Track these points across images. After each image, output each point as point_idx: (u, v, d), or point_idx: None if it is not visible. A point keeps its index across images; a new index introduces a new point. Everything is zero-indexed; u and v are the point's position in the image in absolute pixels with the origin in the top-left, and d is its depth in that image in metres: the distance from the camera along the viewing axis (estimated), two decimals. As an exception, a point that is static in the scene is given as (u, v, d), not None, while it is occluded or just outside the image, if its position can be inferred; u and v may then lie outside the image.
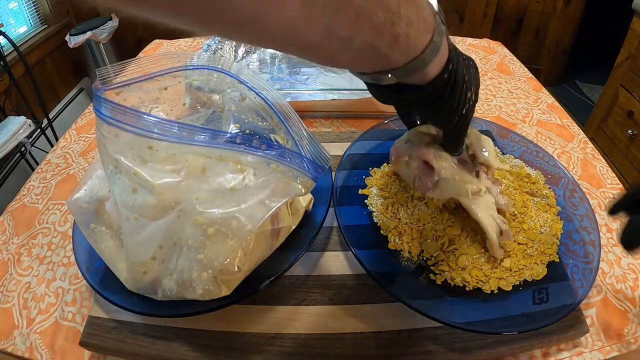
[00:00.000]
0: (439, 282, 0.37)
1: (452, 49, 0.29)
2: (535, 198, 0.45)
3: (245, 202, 0.30)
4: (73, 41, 1.52)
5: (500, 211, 0.40)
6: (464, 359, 0.35)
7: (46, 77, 1.69)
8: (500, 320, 0.34)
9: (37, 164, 0.77)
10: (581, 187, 0.46)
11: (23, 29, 1.68)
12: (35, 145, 1.37)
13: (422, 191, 0.40)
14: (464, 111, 0.31)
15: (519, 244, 0.40)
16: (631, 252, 0.33)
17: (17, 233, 0.48)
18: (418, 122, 0.40)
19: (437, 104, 0.30)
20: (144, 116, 0.27)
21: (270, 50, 0.81)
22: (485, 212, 0.38)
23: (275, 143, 0.31)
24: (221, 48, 0.73)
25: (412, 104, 0.33)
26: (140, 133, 0.27)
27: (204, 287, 0.31)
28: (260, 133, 0.34)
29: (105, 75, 0.31)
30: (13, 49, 1.35)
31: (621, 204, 0.34)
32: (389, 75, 0.26)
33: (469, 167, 0.41)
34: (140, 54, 0.87)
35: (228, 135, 0.30)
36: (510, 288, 0.37)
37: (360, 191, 0.45)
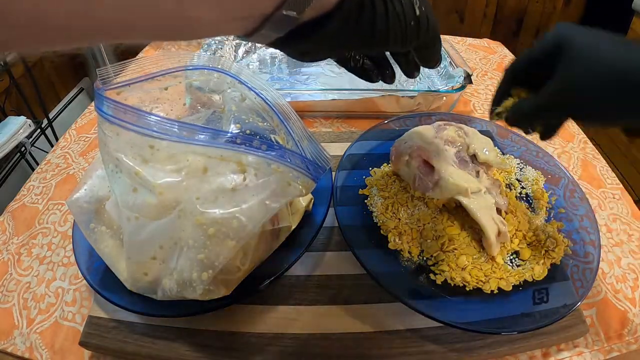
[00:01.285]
0: (439, 282, 0.37)
1: None
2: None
3: (245, 203, 0.30)
4: (73, 41, 1.52)
5: (499, 211, 0.40)
6: (464, 359, 0.35)
7: (46, 77, 1.69)
8: (500, 320, 0.34)
9: (37, 164, 0.76)
10: (581, 187, 0.46)
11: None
12: (35, 145, 1.37)
13: (422, 191, 0.40)
14: (416, 12, 0.24)
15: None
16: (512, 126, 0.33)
17: (17, 233, 0.48)
18: (366, 67, 0.30)
19: (372, 25, 0.23)
20: (146, 115, 0.27)
21: (270, 50, 0.81)
22: (484, 212, 0.38)
23: (276, 144, 0.31)
24: (221, 48, 0.73)
25: (345, 43, 0.24)
26: (141, 132, 0.27)
27: (204, 287, 0.31)
28: (261, 133, 0.34)
29: (105, 75, 0.31)
30: (13, 48, 1.35)
31: (503, 88, 0.33)
32: (284, 13, 0.20)
33: (469, 167, 0.41)
34: (141, 54, 0.87)
35: (229, 135, 0.30)
36: (510, 288, 0.37)
37: (360, 191, 0.45)
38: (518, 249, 0.40)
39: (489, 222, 0.37)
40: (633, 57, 0.25)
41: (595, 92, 0.27)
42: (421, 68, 0.30)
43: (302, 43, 0.24)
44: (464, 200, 0.38)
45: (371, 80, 0.31)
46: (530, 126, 0.34)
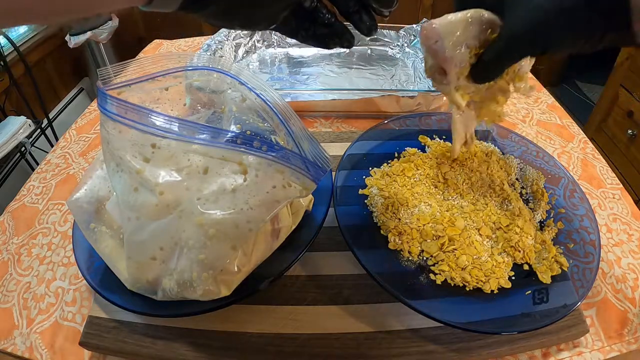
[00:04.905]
0: (439, 282, 0.37)
1: None
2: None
3: (246, 203, 0.30)
4: (73, 41, 1.52)
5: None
6: (464, 359, 0.35)
7: (46, 77, 1.69)
8: (500, 320, 0.34)
9: (37, 164, 0.77)
10: (581, 187, 0.46)
11: (23, 29, 1.68)
12: (35, 145, 1.37)
13: (430, 77, 0.38)
14: None
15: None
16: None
17: (17, 233, 0.48)
18: (319, 33, 0.29)
19: None
20: (148, 113, 0.27)
21: (270, 50, 0.81)
22: (462, 125, 0.42)
23: (276, 144, 0.31)
24: (221, 48, 0.73)
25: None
26: (144, 130, 0.27)
27: (204, 288, 0.31)
28: (262, 134, 0.34)
29: (106, 75, 0.31)
30: (13, 48, 1.35)
31: None
32: None
33: None
34: (141, 54, 0.87)
35: (230, 134, 0.30)
36: (510, 285, 0.37)
37: (360, 191, 0.45)
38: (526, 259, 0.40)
39: (461, 133, 0.42)
40: None
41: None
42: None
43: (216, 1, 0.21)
44: (454, 114, 0.41)
45: (327, 46, 0.29)
46: (501, 71, 0.32)
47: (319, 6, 0.28)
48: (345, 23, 0.30)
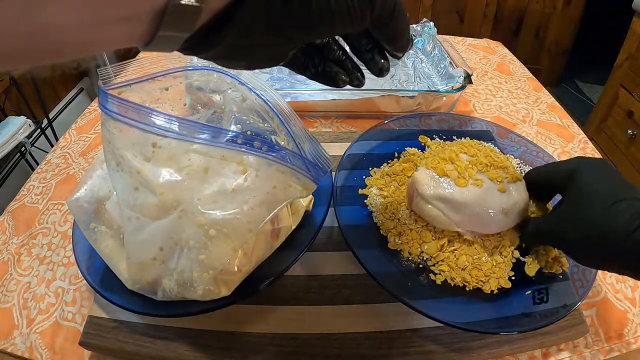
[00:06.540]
0: (439, 282, 0.37)
1: None
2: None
3: (246, 204, 0.30)
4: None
5: None
6: (464, 359, 0.35)
7: (46, 77, 1.69)
8: (500, 320, 0.34)
9: (37, 164, 0.77)
10: (581, 187, 0.46)
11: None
12: (35, 145, 1.37)
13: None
14: None
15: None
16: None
17: (17, 233, 0.48)
18: (329, 70, 0.27)
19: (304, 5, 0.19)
20: (149, 112, 0.27)
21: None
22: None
23: (277, 145, 0.31)
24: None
25: (276, 31, 0.20)
26: (144, 129, 0.27)
27: (204, 288, 0.31)
28: (262, 134, 0.34)
29: (106, 75, 0.31)
30: (13, 48, 1.35)
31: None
32: (181, 2, 0.16)
33: None
34: (141, 54, 0.87)
35: (230, 134, 0.30)
36: (510, 285, 0.37)
37: (360, 191, 0.45)
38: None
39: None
40: (619, 217, 0.28)
41: (579, 244, 0.30)
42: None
43: (221, 41, 0.19)
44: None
45: (337, 85, 0.28)
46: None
47: (329, 42, 0.27)
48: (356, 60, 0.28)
